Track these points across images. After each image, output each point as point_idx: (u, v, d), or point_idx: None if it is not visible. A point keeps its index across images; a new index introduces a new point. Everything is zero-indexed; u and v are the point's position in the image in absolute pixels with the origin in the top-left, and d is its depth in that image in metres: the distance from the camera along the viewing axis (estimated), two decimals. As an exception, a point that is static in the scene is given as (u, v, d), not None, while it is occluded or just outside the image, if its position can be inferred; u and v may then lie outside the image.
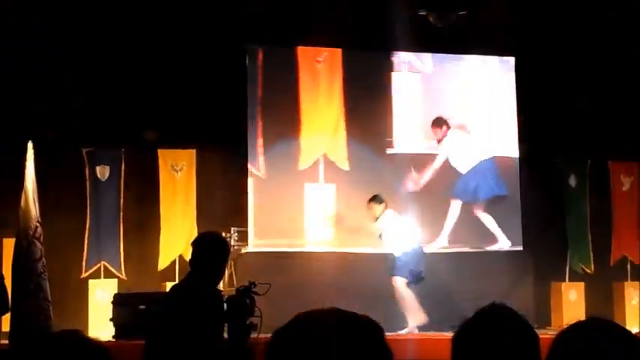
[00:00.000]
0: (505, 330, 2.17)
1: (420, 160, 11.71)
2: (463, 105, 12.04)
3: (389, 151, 11.62)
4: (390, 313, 10.00)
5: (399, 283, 10.39)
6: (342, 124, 11.57)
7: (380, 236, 10.59)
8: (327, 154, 11.50)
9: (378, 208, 10.49)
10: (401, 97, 11.83)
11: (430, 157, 11.73)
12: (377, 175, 11.42)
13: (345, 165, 11.50)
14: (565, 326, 2.02)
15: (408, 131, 11.75)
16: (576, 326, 2.02)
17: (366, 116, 11.64)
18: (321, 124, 11.57)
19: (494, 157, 11.92)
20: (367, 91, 11.73)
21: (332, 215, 11.36)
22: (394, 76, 11.88)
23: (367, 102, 11.69)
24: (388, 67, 11.86)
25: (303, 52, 11.64)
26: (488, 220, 11.70)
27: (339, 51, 11.72)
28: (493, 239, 11.71)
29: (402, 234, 10.49)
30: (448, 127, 11.69)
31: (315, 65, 11.62)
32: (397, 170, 11.58)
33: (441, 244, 11.55)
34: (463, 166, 11.85)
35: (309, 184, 11.42)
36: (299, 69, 11.57)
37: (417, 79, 11.94)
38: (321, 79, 11.65)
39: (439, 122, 11.69)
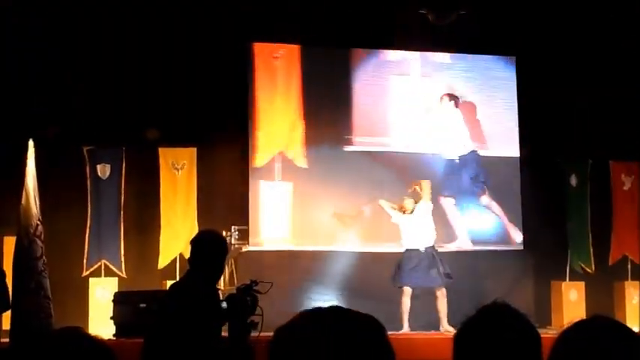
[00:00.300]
0: (507, 329, 2.17)
1: (381, 157, 11.65)
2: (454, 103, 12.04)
3: (347, 148, 11.52)
4: (392, 312, 10.00)
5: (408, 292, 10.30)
6: (301, 122, 11.49)
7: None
8: (284, 152, 11.45)
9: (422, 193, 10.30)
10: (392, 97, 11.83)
11: (391, 155, 11.67)
12: (336, 173, 11.38)
13: (302, 163, 11.45)
14: (567, 325, 2.02)
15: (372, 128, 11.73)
16: (579, 325, 2.02)
17: (325, 114, 11.57)
18: (278, 121, 11.52)
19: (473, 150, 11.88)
20: (327, 88, 11.66)
21: (288, 214, 11.30)
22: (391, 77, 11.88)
23: (327, 99, 11.62)
24: (348, 64, 11.78)
25: (260, 49, 11.58)
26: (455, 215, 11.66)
27: (297, 48, 11.66)
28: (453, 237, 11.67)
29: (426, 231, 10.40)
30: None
31: (273, 62, 11.54)
32: (357, 167, 11.51)
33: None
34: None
35: (265, 182, 11.37)
36: (255, 66, 11.49)
37: (404, 79, 11.91)
38: (278, 76, 11.57)
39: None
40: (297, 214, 11.31)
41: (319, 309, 1.68)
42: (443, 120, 11.84)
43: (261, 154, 11.35)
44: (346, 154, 11.54)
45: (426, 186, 10.37)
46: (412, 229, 10.32)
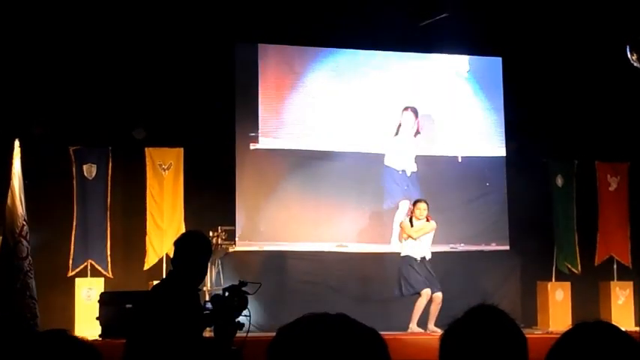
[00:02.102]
0: (493, 331, 2.17)
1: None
2: (441, 104, 12.06)
3: (252, 146, 11.48)
4: (376, 313, 10.01)
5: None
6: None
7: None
8: None
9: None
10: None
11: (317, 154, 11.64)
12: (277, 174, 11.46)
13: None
14: (568, 327, 2.01)
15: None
16: (580, 328, 2.01)
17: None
18: None
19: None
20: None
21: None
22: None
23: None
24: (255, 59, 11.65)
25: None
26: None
27: None
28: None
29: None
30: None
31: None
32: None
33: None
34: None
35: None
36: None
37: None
38: None
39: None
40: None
41: (325, 315, 1.67)
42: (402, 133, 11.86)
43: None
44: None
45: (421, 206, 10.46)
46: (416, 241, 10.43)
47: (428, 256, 10.43)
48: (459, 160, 11.95)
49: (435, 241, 10.62)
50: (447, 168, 11.93)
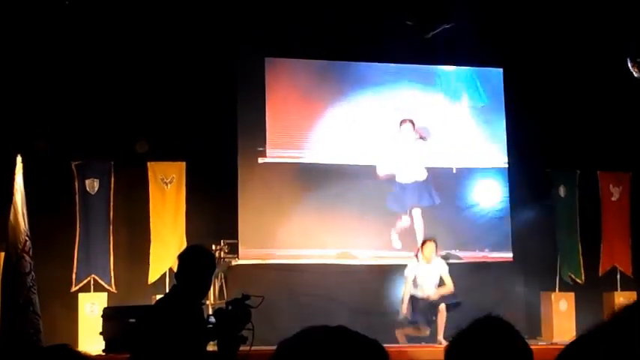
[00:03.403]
0: (499, 343, 2.16)
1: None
2: (444, 115, 12.07)
3: (261, 160, 11.48)
4: (379, 325, 9.99)
5: None
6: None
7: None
8: None
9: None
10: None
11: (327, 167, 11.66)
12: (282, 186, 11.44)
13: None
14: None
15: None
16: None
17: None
18: None
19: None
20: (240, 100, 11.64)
21: None
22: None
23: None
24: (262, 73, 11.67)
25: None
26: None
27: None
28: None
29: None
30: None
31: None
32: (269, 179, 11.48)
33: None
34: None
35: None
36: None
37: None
38: None
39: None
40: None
41: (325, 327, 1.66)
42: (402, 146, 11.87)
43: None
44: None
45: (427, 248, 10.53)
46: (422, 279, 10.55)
47: (432, 297, 10.47)
48: (454, 171, 11.93)
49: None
50: (448, 179, 11.93)
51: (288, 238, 11.33)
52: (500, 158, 12.07)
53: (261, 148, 11.36)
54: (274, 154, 11.41)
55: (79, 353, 1.82)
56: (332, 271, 11.29)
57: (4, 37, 10.37)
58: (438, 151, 11.94)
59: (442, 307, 10.29)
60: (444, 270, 10.59)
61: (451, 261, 11.45)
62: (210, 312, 4.81)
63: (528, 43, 11.79)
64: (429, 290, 10.49)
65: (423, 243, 10.68)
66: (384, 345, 1.74)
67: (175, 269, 10.25)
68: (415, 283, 10.52)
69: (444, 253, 11.22)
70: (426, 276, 10.53)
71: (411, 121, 11.78)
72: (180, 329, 4.41)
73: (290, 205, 11.36)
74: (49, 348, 1.86)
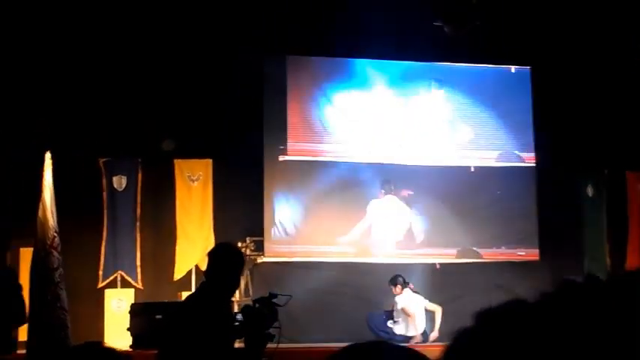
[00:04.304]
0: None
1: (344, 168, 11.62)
2: (469, 115, 12.02)
3: (282, 158, 11.48)
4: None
5: None
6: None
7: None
8: None
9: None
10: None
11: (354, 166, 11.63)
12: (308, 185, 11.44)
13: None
14: None
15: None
16: None
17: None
18: None
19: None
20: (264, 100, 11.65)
21: None
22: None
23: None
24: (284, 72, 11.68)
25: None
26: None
27: None
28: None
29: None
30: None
31: None
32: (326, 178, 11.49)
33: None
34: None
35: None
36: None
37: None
38: None
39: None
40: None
41: (366, 344, 1.64)
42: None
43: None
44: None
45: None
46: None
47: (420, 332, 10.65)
48: (472, 169, 11.88)
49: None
50: (471, 177, 11.89)
51: (314, 236, 11.33)
52: (527, 157, 12.00)
53: (282, 147, 11.38)
54: (296, 151, 11.42)
55: (113, 350, 1.84)
56: (358, 268, 11.29)
57: (34, 35, 10.47)
58: (462, 148, 11.90)
59: (438, 310, 10.37)
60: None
61: (475, 260, 11.45)
62: (236, 309, 4.82)
63: (556, 41, 11.72)
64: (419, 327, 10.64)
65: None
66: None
67: (201, 266, 10.38)
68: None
69: (460, 249, 11.25)
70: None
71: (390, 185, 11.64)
72: (209, 326, 4.43)
73: (315, 203, 11.37)
74: (82, 345, 1.88)
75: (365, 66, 11.92)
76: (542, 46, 11.82)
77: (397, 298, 10.67)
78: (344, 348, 1.54)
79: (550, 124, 11.87)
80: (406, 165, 11.70)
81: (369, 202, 11.50)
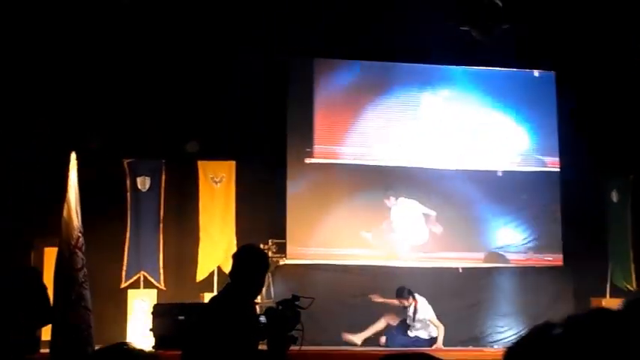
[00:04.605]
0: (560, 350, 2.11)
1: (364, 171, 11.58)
2: (493, 119, 11.97)
3: (308, 160, 11.49)
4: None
5: None
6: None
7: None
8: None
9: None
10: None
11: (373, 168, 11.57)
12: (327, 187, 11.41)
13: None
14: None
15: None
16: None
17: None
18: None
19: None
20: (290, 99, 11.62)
21: None
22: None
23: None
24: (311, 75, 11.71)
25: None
26: None
27: None
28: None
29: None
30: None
31: None
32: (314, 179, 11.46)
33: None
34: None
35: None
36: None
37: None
38: None
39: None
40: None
41: (405, 355, 1.63)
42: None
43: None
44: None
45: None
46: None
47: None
48: (500, 174, 11.82)
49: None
50: (497, 182, 11.84)
51: (336, 240, 11.32)
52: (552, 162, 11.94)
53: (309, 149, 11.38)
54: (321, 154, 11.43)
55: (142, 351, 1.84)
56: (380, 271, 11.27)
57: (62, 37, 10.53)
58: (488, 153, 11.86)
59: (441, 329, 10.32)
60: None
61: (500, 264, 11.39)
62: (258, 311, 4.83)
63: (581, 46, 11.64)
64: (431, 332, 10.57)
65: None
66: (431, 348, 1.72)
67: (223, 268, 10.38)
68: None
69: (487, 253, 11.20)
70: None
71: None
72: (234, 328, 4.44)
73: (338, 206, 11.36)
74: (111, 347, 1.89)
75: (390, 69, 11.89)
76: (568, 50, 11.74)
77: (419, 308, 10.54)
78: (387, 356, 1.53)
79: (575, 128, 11.78)
80: (432, 169, 11.66)
81: (393, 205, 11.46)
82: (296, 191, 11.30)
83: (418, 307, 10.48)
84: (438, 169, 11.67)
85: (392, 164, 11.59)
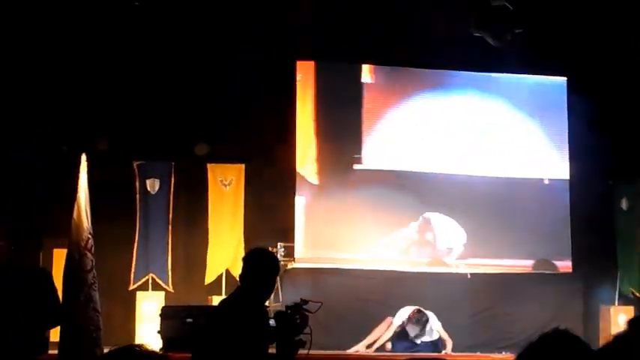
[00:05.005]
0: (569, 356, 2.13)
1: (390, 176, 11.55)
2: (502, 125, 11.95)
3: (357, 166, 11.46)
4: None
5: None
6: (313, 138, 11.48)
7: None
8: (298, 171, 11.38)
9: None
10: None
11: (399, 174, 11.56)
12: (344, 191, 11.33)
13: (314, 179, 11.40)
14: None
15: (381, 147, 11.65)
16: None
17: (336, 129, 11.54)
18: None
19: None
20: (339, 105, 11.60)
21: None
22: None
23: (338, 117, 11.57)
24: (359, 81, 11.68)
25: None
26: None
27: (312, 64, 11.63)
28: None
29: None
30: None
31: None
32: (366, 186, 11.42)
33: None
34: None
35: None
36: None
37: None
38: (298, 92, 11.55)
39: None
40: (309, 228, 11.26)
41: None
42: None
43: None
44: (357, 172, 11.46)
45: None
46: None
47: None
48: (546, 182, 11.80)
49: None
50: (508, 188, 11.82)
51: (343, 243, 11.30)
52: (562, 169, 11.91)
53: (357, 155, 11.39)
54: (328, 157, 11.43)
55: (154, 353, 1.84)
56: (389, 276, 11.26)
57: (70, 39, 10.56)
58: (498, 160, 11.84)
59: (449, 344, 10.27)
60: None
61: (509, 271, 11.37)
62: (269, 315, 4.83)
63: (592, 52, 11.62)
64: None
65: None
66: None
67: (232, 271, 10.37)
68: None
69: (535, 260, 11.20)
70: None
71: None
72: (244, 331, 4.44)
73: (347, 211, 11.34)
74: (123, 348, 1.89)
75: (405, 73, 11.89)
76: (578, 57, 11.72)
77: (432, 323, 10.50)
78: None
79: (586, 134, 11.75)
80: (444, 174, 11.65)
81: (406, 211, 11.43)
82: (305, 195, 11.28)
83: (431, 322, 10.42)
84: (446, 174, 11.65)
85: (407, 169, 11.57)
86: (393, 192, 11.40)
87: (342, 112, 11.56)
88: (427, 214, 11.45)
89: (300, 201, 11.25)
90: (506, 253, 11.56)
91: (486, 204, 11.60)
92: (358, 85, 11.63)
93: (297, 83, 11.49)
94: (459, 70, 11.92)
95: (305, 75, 11.58)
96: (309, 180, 11.34)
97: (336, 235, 11.22)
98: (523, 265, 11.61)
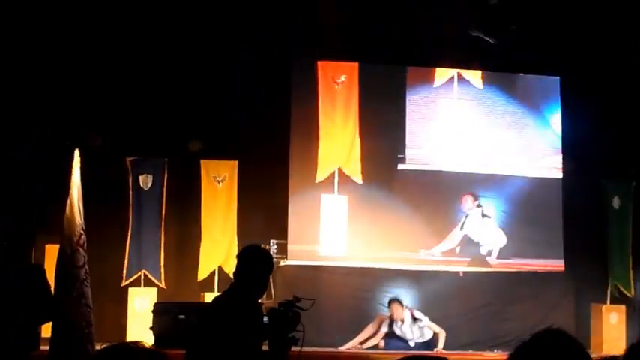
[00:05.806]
0: (562, 355, 2.14)
1: (432, 177, 11.58)
2: (496, 125, 11.97)
3: (401, 167, 11.50)
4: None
5: None
6: (357, 141, 11.50)
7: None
8: (342, 168, 11.41)
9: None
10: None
11: (441, 174, 11.60)
12: (388, 191, 11.33)
13: (358, 178, 11.42)
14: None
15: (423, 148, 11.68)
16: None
17: (380, 132, 11.55)
18: (337, 139, 11.52)
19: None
20: (383, 106, 11.63)
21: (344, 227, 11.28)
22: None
23: (382, 117, 11.59)
24: (403, 82, 11.72)
25: (323, 67, 11.61)
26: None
27: (356, 65, 11.65)
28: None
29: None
30: None
31: (333, 84, 11.56)
32: (408, 186, 11.45)
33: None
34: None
35: (325, 195, 11.37)
36: (319, 85, 11.55)
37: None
38: (338, 95, 11.55)
39: None
40: (352, 228, 11.27)
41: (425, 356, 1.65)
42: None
43: (322, 169, 11.36)
44: (399, 172, 11.48)
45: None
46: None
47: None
48: (500, 178, 11.82)
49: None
50: (498, 185, 11.84)
51: (335, 241, 11.30)
52: (554, 167, 11.93)
53: (401, 155, 11.42)
54: (326, 155, 11.44)
55: (151, 349, 1.84)
56: (382, 273, 11.28)
57: (63, 36, 10.55)
58: (490, 158, 11.86)
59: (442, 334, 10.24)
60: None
61: (499, 269, 11.38)
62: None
63: (587, 51, 11.64)
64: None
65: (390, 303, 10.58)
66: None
67: (225, 267, 10.35)
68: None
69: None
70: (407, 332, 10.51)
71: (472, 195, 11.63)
72: (238, 328, 4.45)
73: (340, 209, 11.35)
74: (119, 345, 1.89)
75: (406, 73, 11.89)
76: (571, 55, 11.74)
77: (423, 318, 10.53)
78: (405, 358, 1.55)
79: (578, 133, 11.78)
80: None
81: (400, 205, 11.44)
82: (297, 192, 11.28)
83: (425, 319, 10.45)
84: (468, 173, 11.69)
85: (414, 168, 11.60)
86: (435, 192, 11.41)
87: (385, 113, 11.55)
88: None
89: (343, 200, 11.23)
90: (503, 252, 11.58)
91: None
92: (402, 86, 11.64)
93: (340, 84, 11.50)
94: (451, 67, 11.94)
95: (349, 76, 11.59)
96: (354, 179, 11.33)
97: (379, 235, 11.20)
98: (518, 263, 11.62)
